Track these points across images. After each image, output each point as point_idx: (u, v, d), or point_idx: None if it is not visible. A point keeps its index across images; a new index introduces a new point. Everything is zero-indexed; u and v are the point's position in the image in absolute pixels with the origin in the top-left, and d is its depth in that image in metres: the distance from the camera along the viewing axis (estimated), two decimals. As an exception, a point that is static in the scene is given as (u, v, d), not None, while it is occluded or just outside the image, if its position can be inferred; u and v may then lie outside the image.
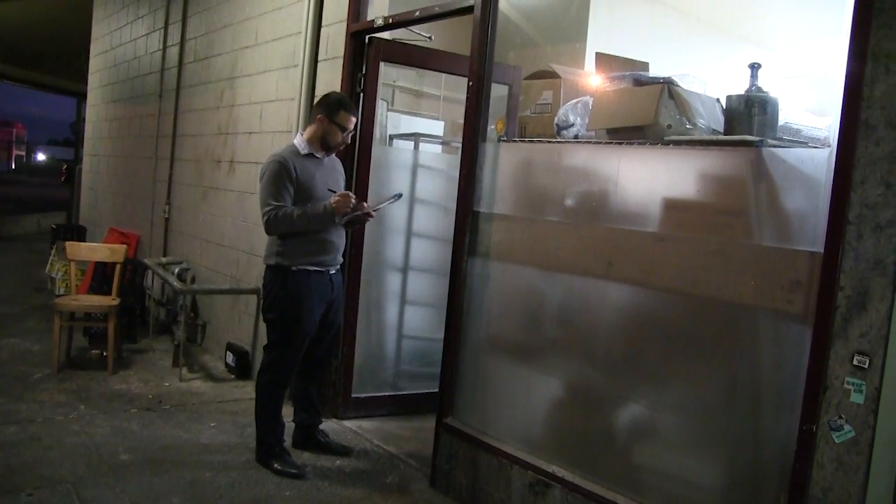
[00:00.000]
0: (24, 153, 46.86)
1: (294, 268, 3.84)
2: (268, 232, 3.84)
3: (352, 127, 4.01)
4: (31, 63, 15.78)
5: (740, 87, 2.97)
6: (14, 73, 16.18)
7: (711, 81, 3.37)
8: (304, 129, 4.05)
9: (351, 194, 3.82)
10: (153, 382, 5.28)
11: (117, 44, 9.28)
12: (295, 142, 3.99)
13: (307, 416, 4.21)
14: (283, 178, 3.82)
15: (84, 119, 11.84)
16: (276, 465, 3.87)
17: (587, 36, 4.58)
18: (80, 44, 10.84)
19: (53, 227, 10.14)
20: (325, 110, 3.94)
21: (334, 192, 3.89)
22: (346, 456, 4.16)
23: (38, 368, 5.34)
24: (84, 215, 10.50)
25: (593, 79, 3.62)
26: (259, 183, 3.92)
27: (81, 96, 13.41)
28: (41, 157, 48.59)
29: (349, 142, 4.11)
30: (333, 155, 4.11)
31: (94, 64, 10.32)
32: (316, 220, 3.80)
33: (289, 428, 4.10)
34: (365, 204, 4.01)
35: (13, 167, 42.76)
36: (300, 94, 4.97)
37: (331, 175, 4.07)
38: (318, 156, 3.98)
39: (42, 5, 11.34)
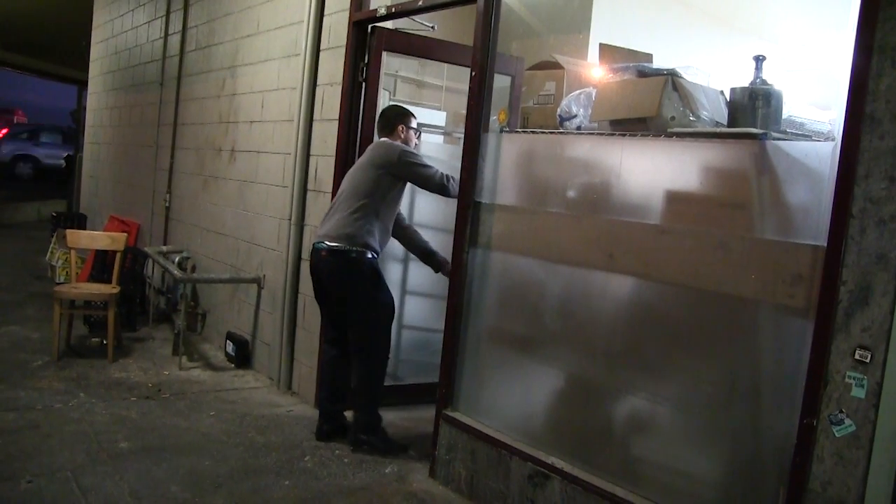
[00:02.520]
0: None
1: (374, 254, 4.05)
2: (452, 192, 4.03)
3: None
4: (32, 50, 15.73)
5: (744, 79, 2.96)
6: (15, 61, 16.14)
7: (715, 74, 3.36)
8: (390, 138, 4.24)
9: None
10: (153, 371, 5.28)
11: (118, 32, 9.25)
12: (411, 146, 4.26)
13: (342, 405, 4.30)
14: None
15: (85, 107, 11.81)
16: (381, 444, 4.10)
17: (591, 26, 4.57)
18: (82, 31, 10.80)
19: (53, 214, 10.13)
20: (401, 119, 4.26)
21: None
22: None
23: (38, 356, 5.34)
24: (84, 203, 10.49)
25: (596, 70, 3.60)
26: (381, 164, 4.07)
27: (82, 84, 13.37)
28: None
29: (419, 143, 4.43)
30: None
31: (95, 52, 10.29)
32: None
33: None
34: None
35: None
36: (302, 84, 4.95)
37: None
38: None
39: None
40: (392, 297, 4.17)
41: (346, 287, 4.03)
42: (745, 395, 2.74)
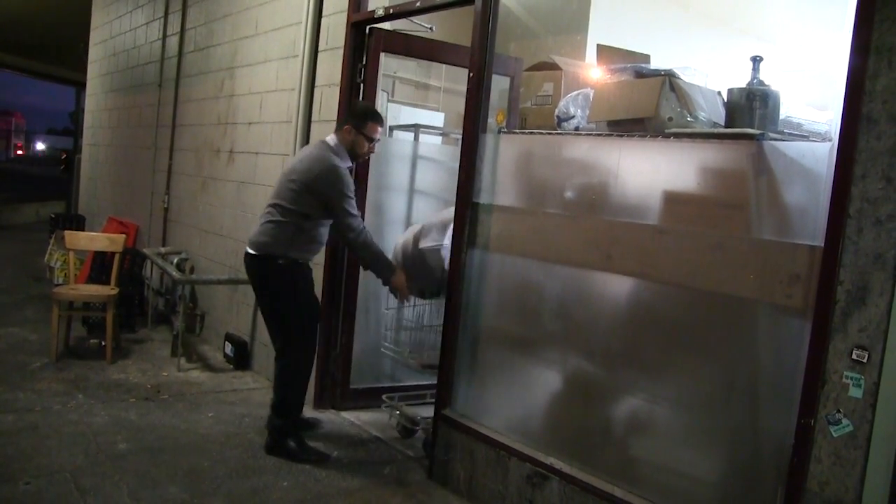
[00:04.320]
0: (23, 142, 46.79)
1: (302, 262, 3.95)
2: (354, 244, 3.94)
3: (378, 137, 4.07)
4: (31, 52, 15.73)
5: (741, 80, 2.96)
6: (13, 62, 16.15)
7: (712, 74, 3.36)
8: (333, 138, 4.02)
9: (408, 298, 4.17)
10: (151, 372, 5.28)
11: (117, 33, 9.25)
12: (336, 149, 3.97)
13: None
14: (351, 188, 3.93)
15: (83, 108, 11.81)
16: (296, 449, 4.00)
17: (588, 27, 4.57)
18: (80, 33, 10.80)
19: (52, 216, 10.13)
20: (353, 121, 3.98)
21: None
22: (315, 430, 4.33)
23: (37, 358, 5.34)
24: (83, 205, 10.48)
25: (594, 71, 3.61)
26: (307, 182, 3.84)
27: (81, 86, 13.38)
28: (40, 146, 48.54)
29: (374, 151, 4.16)
30: None
31: (94, 53, 10.29)
32: (381, 268, 4.02)
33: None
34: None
35: (12, 156, 42.71)
36: (300, 84, 4.95)
37: None
38: (349, 166, 4.04)
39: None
40: (314, 307, 4.13)
41: (264, 292, 4.01)
42: (743, 395, 2.75)
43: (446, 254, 3.86)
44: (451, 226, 3.87)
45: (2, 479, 3.41)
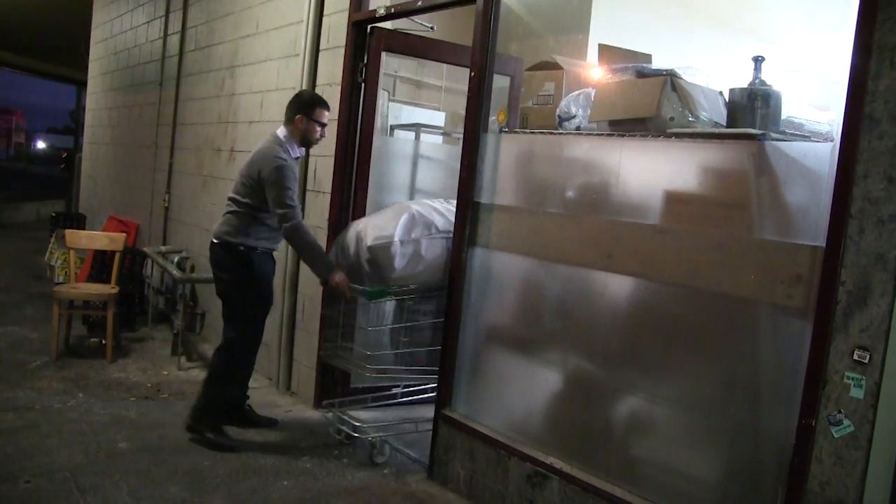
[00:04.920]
0: (23, 141, 46.81)
1: (259, 250, 4.04)
2: (288, 233, 3.93)
3: (326, 121, 4.16)
4: (32, 51, 15.73)
5: (743, 80, 2.96)
6: (14, 61, 16.15)
7: (714, 74, 3.36)
8: (283, 130, 4.10)
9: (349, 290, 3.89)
10: (152, 371, 5.28)
11: (118, 32, 9.25)
12: (284, 141, 4.06)
13: (241, 391, 4.35)
14: (294, 178, 4.01)
15: (84, 107, 11.81)
16: (211, 436, 4.03)
17: (590, 27, 4.57)
18: (81, 31, 10.80)
19: (53, 214, 10.12)
20: (303, 110, 4.07)
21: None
22: (272, 428, 4.34)
23: (37, 356, 5.34)
24: (83, 203, 10.48)
25: (596, 70, 3.60)
26: (254, 176, 3.96)
27: (81, 84, 13.38)
28: (41, 144, 48.54)
29: (326, 136, 4.22)
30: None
31: (95, 52, 10.29)
32: (317, 264, 3.97)
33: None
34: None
35: (12, 154, 42.73)
36: (301, 84, 4.95)
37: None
38: (298, 156, 4.17)
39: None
40: (267, 299, 4.18)
41: (221, 276, 4.10)
42: (744, 396, 2.75)
43: (397, 250, 3.81)
44: (403, 220, 3.85)
45: (2, 478, 3.41)
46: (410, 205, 4.05)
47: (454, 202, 3.88)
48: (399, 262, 3.83)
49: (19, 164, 35.36)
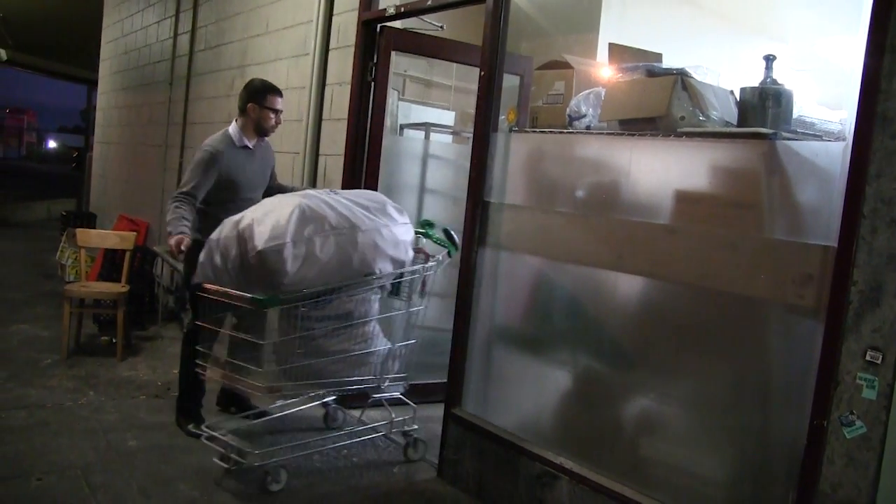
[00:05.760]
0: (35, 140, 47.09)
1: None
2: (168, 208, 3.97)
3: (280, 108, 4.17)
4: (43, 51, 15.80)
5: (754, 79, 2.94)
6: (26, 61, 16.20)
7: (725, 73, 3.35)
8: (237, 121, 4.17)
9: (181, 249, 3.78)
10: (161, 370, 5.29)
11: (128, 31, 9.29)
12: (231, 132, 4.14)
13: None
14: (209, 168, 4.01)
15: (94, 106, 11.87)
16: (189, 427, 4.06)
17: (600, 26, 4.55)
18: (92, 31, 10.85)
19: (64, 213, 10.17)
20: (254, 98, 4.11)
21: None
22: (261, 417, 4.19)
23: (48, 354, 5.37)
24: (94, 202, 10.53)
25: (606, 69, 3.60)
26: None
27: (92, 84, 13.43)
28: (52, 144, 48.83)
29: (281, 122, 4.23)
30: (265, 142, 4.31)
31: (105, 51, 10.33)
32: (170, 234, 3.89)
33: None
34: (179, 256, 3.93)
35: (24, 153, 42.99)
36: (311, 83, 4.96)
37: (262, 164, 4.27)
38: (250, 146, 4.17)
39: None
40: None
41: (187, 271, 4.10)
42: (755, 396, 2.73)
43: (289, 253, 3.37)
44: (294, 218, 3.42)
45: (14, 475, 3.42)
46: (297, 197, 3.58)
47: (345, 192, 3.75)
48: (292, 266, 3.38)
49: (31, 163, 35.55)
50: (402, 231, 3.71)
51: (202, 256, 3.61)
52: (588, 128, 3.39)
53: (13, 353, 5.35)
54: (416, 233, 3.87)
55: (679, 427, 2.99)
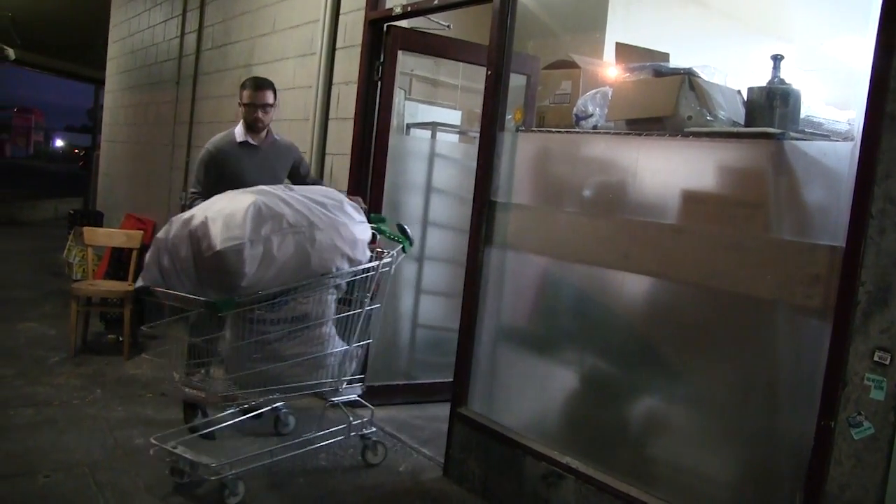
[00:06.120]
0: (42, 139, 47.24)
1: None
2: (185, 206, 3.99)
3: (260, 101, 4.13)
4: (51, 50, 15.84)
5: (761, 79, 2.94)
6: (33, 60, 16.24)
7: (732, 73, 3.34)
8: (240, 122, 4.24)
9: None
10: (167, 368, 5.30)
11: (135, 31, 9.30)
12: (235, 129, 4.22)
13: None
14: (206, 165, 4.13)
15: (101, 105, 11.90)
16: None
17: (606, 26, 4.55)
18: (99, 30, 10.88)
19: (71, 212, 10.20)
20: (239, 96, 4.18)
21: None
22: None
23: (55, 352, 5.38)
24: (101, 201, 10.55)
25: (612, 69, 3.59)
26: None
27: (99, 83, 13.47)
28: (59, 143, 48.98)
29: (265, 116, 4.18)
30: (283, 142, 4.33)
31: (112, 51, 10.35)
32: None
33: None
34: None
35: (32, 152, 43.13)
36: (318, 82, 4.96)
37: (268, 162, 4.23)
38: (253, 142, 4.18)
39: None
40: None
41: None
42: (762, 396, 2.73)
43: (250, 253, 3.21)
44: (250, 215, 3.25)
45: (22, 473, 3.44)
46: (250, 194, 3.41)
47: (301, 188, 3.62)
48: (249, 267, 3.21)
49: (38, 162, 35.68)
50: (359, 230, 3.58)
51: (148, 257, 3.38)
52: (595, 127, 3.39)
53: (21, 351, 5.37)
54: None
55: (685, 427, 2.99)
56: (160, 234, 3.38)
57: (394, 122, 4.72)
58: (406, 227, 3.88)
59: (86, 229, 5.99)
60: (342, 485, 3.65)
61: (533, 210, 3.62)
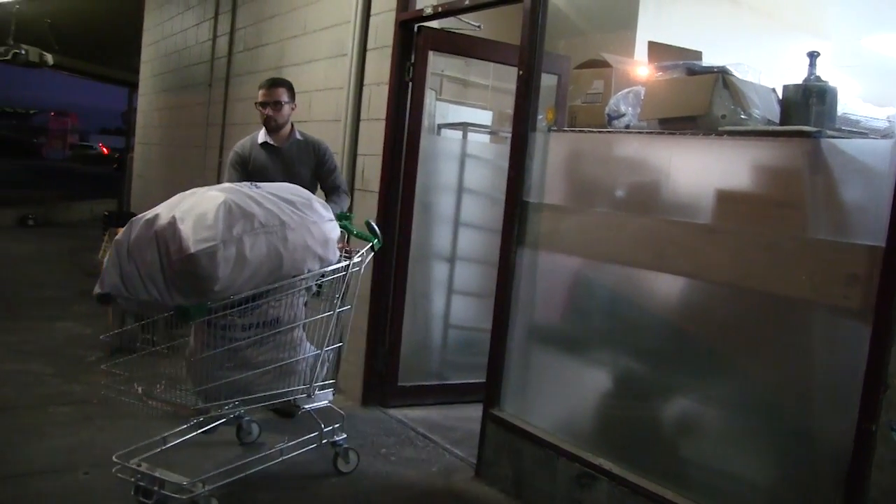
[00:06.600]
0: (77, 142, 47.99)
1: None
2: None
3: (271, 98, 4.21)
4: (86, 54, 16.10)
5: (796, 76, 2.91)
6: (69, 65, 16.52)
7: (766, 71, 3.30)
8: None
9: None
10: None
11: (168, 34, 9.42)
12: (256, 133, 4.30)
13: None
14: (232, 167, 4.25)
15: (135, 108, 12.08)
16: None
17: (637, 24, 4.52)
18: (133, 34, 11.03)
19: (106, 213, 10.35)
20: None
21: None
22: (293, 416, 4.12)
23: (91, 351, 5.46)
24: (135, 202, 10.70)
25: (644, 68, 3.57)
26: None
27: (133, 86, 13.66)
28: (94, 145, 49.73)
29: (276, 113, 4.22)
30: (308, 140, 4.34)
31: (146, 54, 10.50)
32: None
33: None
34: None
35: (68, 155, 43.83)
36: (349, 83, 4.98)
37: (290, 162, 4.26)
38: (274, 143, 4.24)
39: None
40: None
41: None
42: (799, 399, 2.70)
43: (223, 255, 2.98)
44: (221, 214, 3.04)
45: (63, 469, 3.52)
46: (217, 192, 3.24)
47: (267, 185, 3.41)
48: (223, 270, 2.99)
49: (74, 164, 36.25)
50: (328, 228, 3.40)
51: (107, 262, 3.16)
52: (627, 127, 3.37)
53: (59, 350, 5.46)
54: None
55: (721, 429, 2.96)
56: (119, 237, 3.17)
57: (425, 122, 4.72)
58: (374, 224, 3.76)
59: (120, 230, 6.06)
60: (374, 485, 3.66)
61: (565, 210, 3.61)
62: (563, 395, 3.57)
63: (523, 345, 3.77)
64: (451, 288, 5.04)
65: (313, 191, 4.04)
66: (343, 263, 3.52)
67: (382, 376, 4.75)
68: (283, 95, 4.23)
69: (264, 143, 4.24)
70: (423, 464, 3.96)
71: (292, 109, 4.33)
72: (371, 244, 3.68)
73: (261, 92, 4.23)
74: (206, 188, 3.36)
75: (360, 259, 3.58)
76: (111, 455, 3.65)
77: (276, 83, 4.29)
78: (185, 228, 2.97)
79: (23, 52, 12.06)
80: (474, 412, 4.03)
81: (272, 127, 4.24)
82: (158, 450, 3.42)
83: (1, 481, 3.42)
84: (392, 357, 4.75)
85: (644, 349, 3.24)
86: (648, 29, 4.32)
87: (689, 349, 3.05)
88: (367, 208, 4.76)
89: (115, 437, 3.90)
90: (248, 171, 4.18)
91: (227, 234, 3.00)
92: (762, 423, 2.81)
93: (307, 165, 4.34)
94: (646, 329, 3.23)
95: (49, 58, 12.54)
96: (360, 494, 3.55)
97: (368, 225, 3.74)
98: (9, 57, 12.10)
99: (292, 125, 4.36)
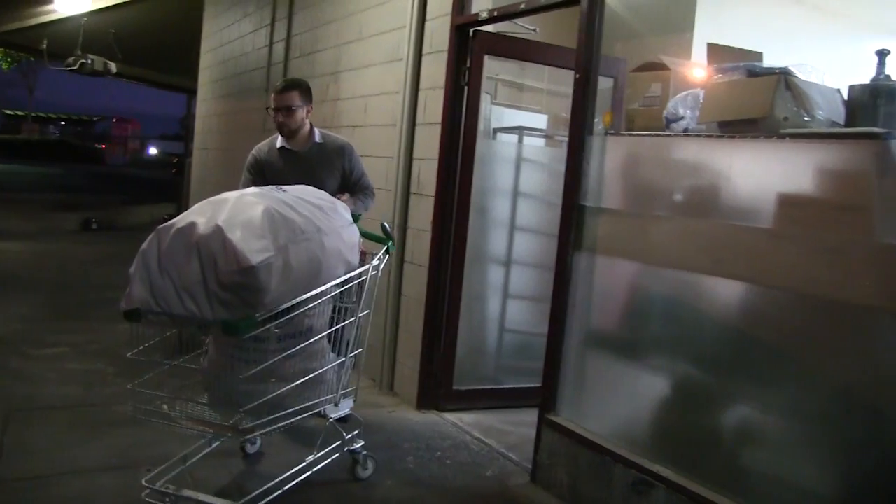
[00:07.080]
0: (138, 147, 49.29)
1: None
2: None
3: (282, 104, 4.09)
4: (146, 62, 16.54)
5: (863, 76, 2.84)
6: (131, 72, 16.99)
7: (831, 71, 3.23)
8: None
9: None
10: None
11: (226, 41, 9.61)
12: (274, 137, 4.25)
13: None
14: (248, 169, 4.24)
15: (194, 114, 12.36)
16: None
17: (694, 26, 4.46)
18: (192, 42, 11.28)
19: (165, 217, 10.57)
20: None
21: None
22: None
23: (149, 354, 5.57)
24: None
25: (703, 70, 3.53)
26: None
27: (191, 93, 13.99)
28: (153, 150, 51.00)
29: (288, 119, 4.10)
30: (333, 144, 4.24)
31: (205, 61, 10.72)
32: None
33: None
34: None
35: (129, 160, 45.03)
36: (405, 88, 5.02)
37: (309, 166, 4.12)
38: (292, 147, 4.17)
39: (158, 5, 11.88)
40: None
41: None
42: (864, 408, 2.63)
43: (276, 266, 2.85)
44: (266, 223, 2.91)
45: (127, 465, 3.67)
46: (254, 197, 3.10)
47: (292, 189, 3.30)
48: (275, 281, 2.84)
49: (134, 169, 37.23)
50: (352, 232, 3.34)
51: (133, 275, 3.01)
52: (686, 130, 3.33)
53: (121, 351, 5.58)
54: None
55: (782, 438, 2.90)
56: (145, 247, 2.99)
57: (480, 126, 4.73)
58: (387, 225, 3.70)
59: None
60: (429, 488, 3.68)
61: (623, 214, 3.58)
62: (620, 401, 3.54)
63: (579, 349, 3.75)
64: (506, 292, 5.04)
65: (335, 194, 3.93)
66: (365, 267, 3.46)
67: (437, 380, 4.76)
68: (296, 100, 4.08)
69: (282, 148, 4.17)
70: (478, 468, 3.96)
71: (308, 112, 4.18)
72: (386, 247, 3.62)
73: (272, 97, 4.12)
74: (236, 193, 3.25)
75: (378, 262, 3.52)
76: (172, 452, 3.74)
77: (287, 87, 4.13)
78: (236, 239, 2.78)
79: (89, 61, 12.48)
80: (529, 417, 4.02)
81: (286, 133, 4.14)
82: (180, 469, 3.39)
83: (66, 476, 3.55)
84: (447, 361, 4.77)
85: (703, 355, 3.20)
86: (706, 30, 4.25)
87: (750, 356, 3.00)
88: (422, 212, 4.79)
89: (176, 436, 3.98)
90: (266, 175, 4.08)
91: (276, 243, 2.87)
92: (826, 432, 2.75)
93: (329, 169, 4.19)
94: (704, 335, 3.19)
95: (112, 66, 12.93)
96: (414, 497, 3.57)
97: (383, 227, 3.69)
98: (76, 67, 12.54)
99: (311, 127, 4.24)
